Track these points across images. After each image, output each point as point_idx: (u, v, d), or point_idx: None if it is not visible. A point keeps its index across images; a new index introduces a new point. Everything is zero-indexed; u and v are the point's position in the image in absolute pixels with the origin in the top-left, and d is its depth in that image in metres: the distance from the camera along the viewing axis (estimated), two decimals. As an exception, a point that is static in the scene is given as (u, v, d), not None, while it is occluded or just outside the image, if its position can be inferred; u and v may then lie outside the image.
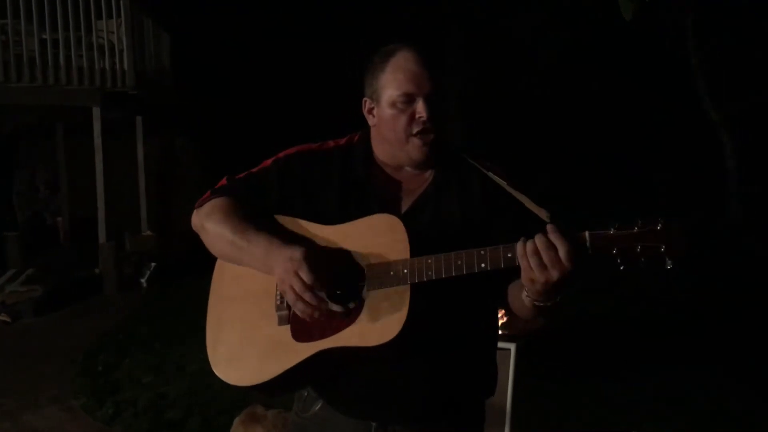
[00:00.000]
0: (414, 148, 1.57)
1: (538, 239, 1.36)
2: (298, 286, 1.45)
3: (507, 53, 10.87)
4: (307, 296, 1.45)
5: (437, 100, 1.56)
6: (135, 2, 7.57)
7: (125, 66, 7.40)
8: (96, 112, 7.06)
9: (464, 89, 10.57)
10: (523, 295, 1.45)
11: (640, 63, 10.36)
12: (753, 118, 9.14)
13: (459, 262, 1.43)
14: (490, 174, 1.59)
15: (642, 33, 8.65)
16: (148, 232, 8.41)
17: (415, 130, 1.55)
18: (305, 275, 1.45)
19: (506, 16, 10.26)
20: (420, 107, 1.54)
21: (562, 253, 1.35)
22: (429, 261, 1.44)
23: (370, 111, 1.62)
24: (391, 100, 1.56)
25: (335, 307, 1.48)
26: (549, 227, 1.38)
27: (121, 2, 7.35)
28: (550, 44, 10.56)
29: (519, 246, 1.38)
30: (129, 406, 4.10)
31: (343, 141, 1.70)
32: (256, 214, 1.61)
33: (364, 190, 1.61)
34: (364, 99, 1.63)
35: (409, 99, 1.54)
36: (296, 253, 1.47)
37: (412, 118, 1.55)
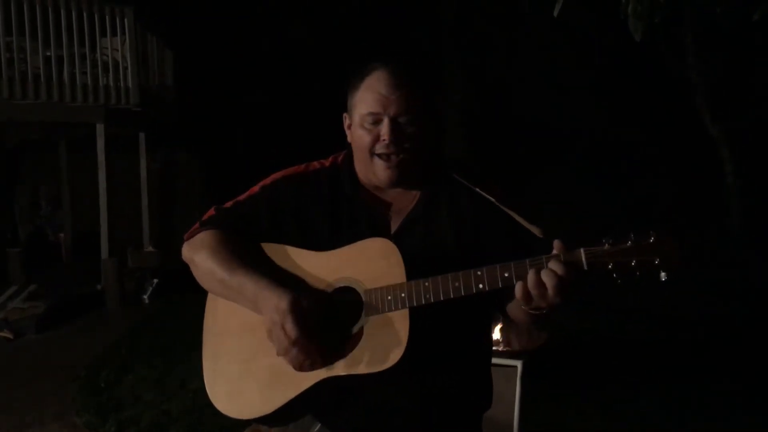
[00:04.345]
0: (378, 169, 1.56)
1: (545, 274, 1.36)
2: (283, 342, 1.43)
3: (507, 65, 10.93)
4: (293, 352, 1.44)
5: (408, 121, 1.54)
6: (139, 20, 7.62)
7: (129, 83, 7.44)
8: (99, 128, 7.09)
9: (465, 102, 10.62)
10: (521, 304, 1.44)
11: (640, 78, 10.40)
12: (753, 133, 9.15)
13: (456, 284, 1.42)
14: (478, 190, 1.58)
15: (642, 48, 8.69)
16: (151, 248, 8.40)
17: (378, 151, 1.55)
18: (290, 330, 1.42)
19: (507, 29, 10.32)
20: (384, 129, 1.53)
21: (563, 284, 1.36)
22: (426, 284, 1.44)
23: (348, 127, 1.63)
24: (360, 119, 1.56)
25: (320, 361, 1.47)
26: (555, 249, 1.39)
27: (126, 20, 7.41)
28: (551, 57, 10.62)
29: (518, 286, 1.38)
30: (132, 424, 4.07)
31: (328, 162, 1.69)
32: (246, 245, 1.60)
33: (353, 211, 1.61)
34: (344, 114, 1.64)
35: (375, 119, 1.54)
36: (282, 302, 1.44)
37: (376, 139, 1.55)
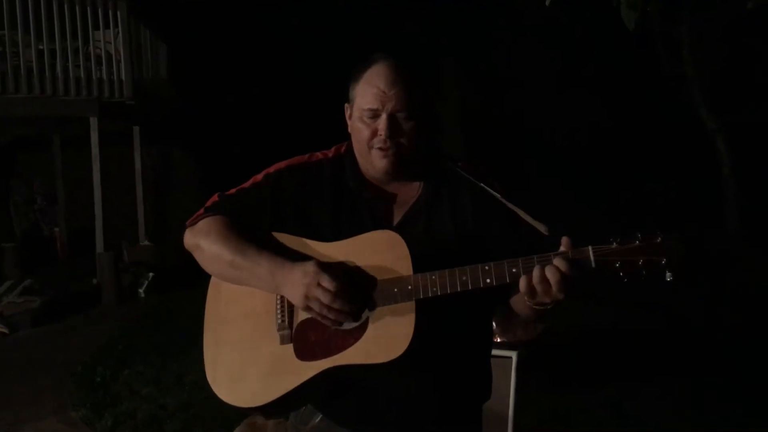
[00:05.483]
0: (376, 159, 1.58)
1: (549, 270, 1.39)
2: (325, 298, 1.45)
3: (503, 63, 10.92)
4: (337, 304, 1.45)
5: (405, 117, 1.56)
6: (132, 13, 7.59)
7: (122, 76, 7.41)
8: (93, 122, 7.06)
9: (464, 98, 10.62)
10: (525, 299, 1.46)
11: (637, 73, 10.40)
12: (750, 127, 9.16)
13: (464, 278, 1.44)
14: (482, 185, 1.60)
15: (637, 42, 8.69)
16: (146, 242, 8.38)
17: (376, 145, 1.57)
18: (328, 284, 1.45)
19: (503, 27, 10.32)
20: (381, 124, 1.55)
21: (567, 281, 1.39)
22: (433, 277, 1.45)
23: (350, 117, 1.64)
24: (359, 113, 1.58)
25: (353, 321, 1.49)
26: (562, 245, 1.42)
27: (119, 13, 7.37)
28: (546, 53, 10.61)
29: (522, 280, 1.41)
30: (128, 417, 4.08)
31: (331, 152, 1.70)
32: (250, 232, 1.60)
33: (355, 202, 1.62)
34: (346, 104, 1.65)
35: (373, 114, 1.56)
36: (309, 266, 1.47)
37: (374, 133, 1.56)
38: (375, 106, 1.55)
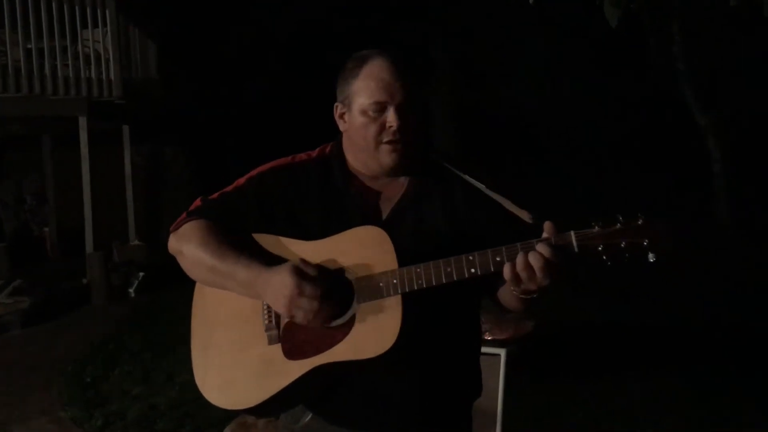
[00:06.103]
0: (384, 155, 1.56)
1: (532, 256, 1.39)
2: (311, 305, 1.45)
3: (494, 58, 10.94)
4: (324, 310, 1.45)
5: (409, 109, 1.55)
6: (121, 11, 7.55)
7: (112, 75, 7.37)
8: (82, 121, 7.03)
9: (453, 93, 10.62)
10: (511, 288, 1.46)
11: (626, 67, 10.43)
12: (740, 122, 9.20)
13: (448, 269, 1.43)
14: (467, 177, 1.59)
15: (627, 38, 8.71)
16: (136, 242, 8.35)
17: (385, 139, 1.55)
18: (312, 290, 1.44)
19: (493, 22, 10.33)
20: (391, 117, 1.53)
21: (551, 267, 1.38)
22: (418, 270, 1.45)
23: (342, 116, 1.62)
24: (362, 108, 1.55)
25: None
26: (545, 231, 1.41)
27: (108, 11, 7.34)
28: (537, 49, 10.63)
29: (506, 267, 1.40)
30: (118, 417, 4.07)
31: (315, 153, 1.69)
32: (234, 234, 1.59)
33: (343, 200, 1.60)
34: (336, 104, 1.63)
35: (380, 108, 1.54)
36: (286, 276, 1.46)
37: (382, 127, 1.54)
38: (382, 99, 1.53)
